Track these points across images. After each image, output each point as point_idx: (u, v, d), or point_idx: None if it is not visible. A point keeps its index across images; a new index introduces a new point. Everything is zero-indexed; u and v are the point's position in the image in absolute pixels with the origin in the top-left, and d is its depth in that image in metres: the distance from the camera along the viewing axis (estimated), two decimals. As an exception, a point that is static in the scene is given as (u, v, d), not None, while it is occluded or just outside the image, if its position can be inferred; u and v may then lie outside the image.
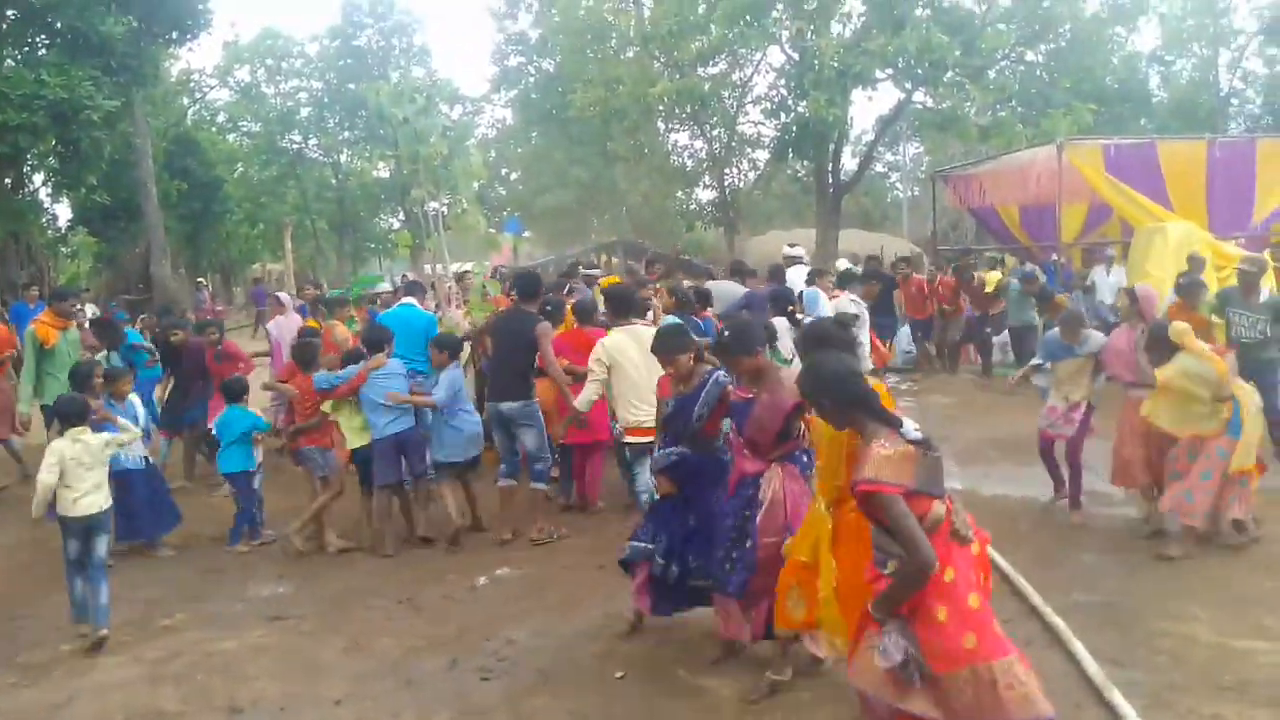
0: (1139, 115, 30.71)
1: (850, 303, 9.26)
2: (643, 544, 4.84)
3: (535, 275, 7.89)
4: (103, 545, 5.41)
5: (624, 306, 6.75)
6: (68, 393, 6.07)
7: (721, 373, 4.69)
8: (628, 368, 6.24)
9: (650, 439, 5.83)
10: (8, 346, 9.50)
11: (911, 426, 3.31)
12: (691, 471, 4.79)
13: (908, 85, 23.41)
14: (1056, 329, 6.84)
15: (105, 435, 5.56)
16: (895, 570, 3.26)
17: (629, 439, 6.42)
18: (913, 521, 3.15)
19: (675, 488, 4.83)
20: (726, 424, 4.75)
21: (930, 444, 3.31)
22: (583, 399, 6.30)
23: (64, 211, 27.92)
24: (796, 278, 10.75)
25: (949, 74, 21.94)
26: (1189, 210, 13.57)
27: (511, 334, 6.86)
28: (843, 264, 14.81)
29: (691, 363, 4.82)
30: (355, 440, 6.90)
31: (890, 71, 22.27)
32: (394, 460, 6.78)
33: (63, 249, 28.92)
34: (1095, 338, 6.64)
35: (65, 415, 5.44)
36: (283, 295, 12.37)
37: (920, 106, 24.87)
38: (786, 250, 12.38)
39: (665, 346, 4.91)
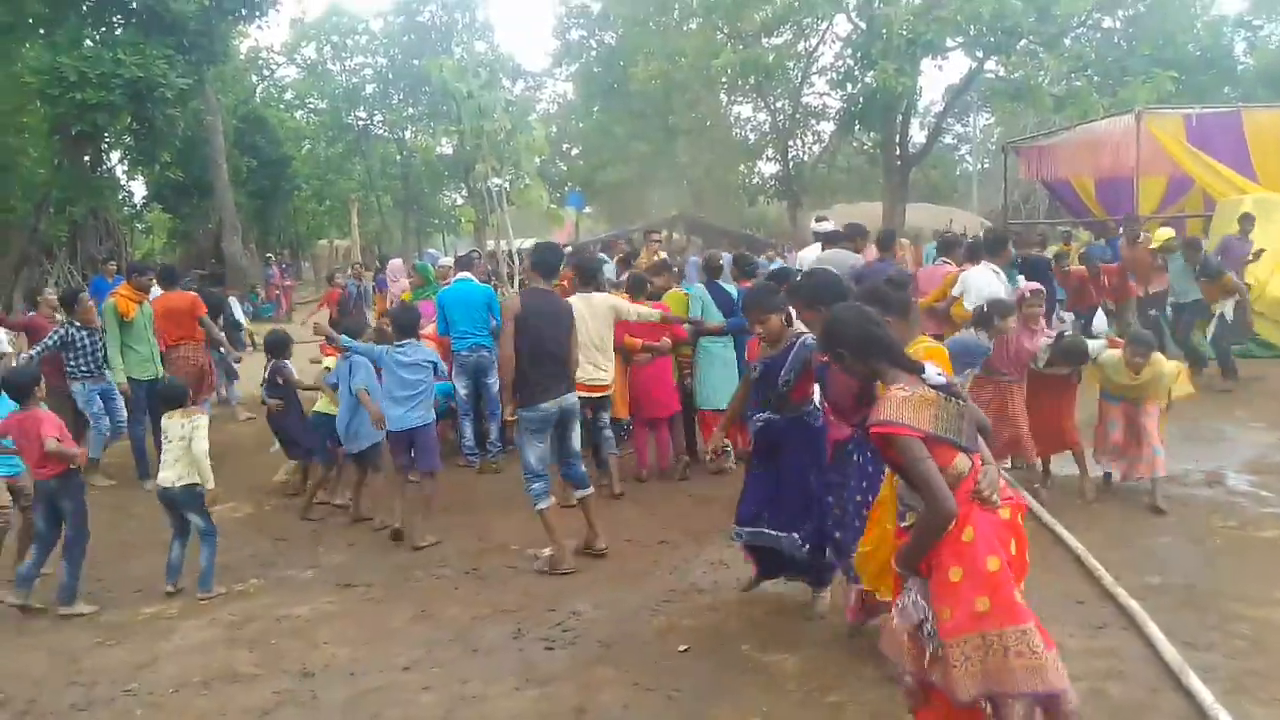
0: (1223, 83, 29.51)
1: (992, 274, 7.66)
2: (743, 528, 4.93)
3: (556, 247, 7.05)
4: (196, 519, 5.76)
5: (587, 277, 7.13)
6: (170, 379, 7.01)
7: (810, 336, 4.63)
8: (580, 330, 6.24)
9: (598, 394, 6.90)
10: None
11: (934, 371, 3.18)
12: (778, 436, 4.78)
13: (979, 54, 22.88)
14: (968, 331, 6.43)
15: (191, 415, 5.79)
16: (914, 522, 3.16)
17: (579, 394, 6.41)
18: (931, 466, 3.00)
19: (756, 451, 4.88)
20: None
21: (956, 391, 3.18)
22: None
23: (139, 188, 28.76)
24: (812, 258, 9.06)
25: (1023, 42, 21.39)
26: (1276, 182, 13.09)
27: (551, 319, 5.80)
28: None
29: (782, 324, 4.78)
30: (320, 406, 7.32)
31: (961, 40, 21.76)
32: (405, 451, 6.65)
33: (138, 225, 29.75)
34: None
35: (164, 399, 6.03)
36: (442, 260, 12.65)
37: (992, 76, 24.30)
38: (814, 226, 11.39)
39: (755, 304, 4.90)
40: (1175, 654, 4.12)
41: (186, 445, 5.65)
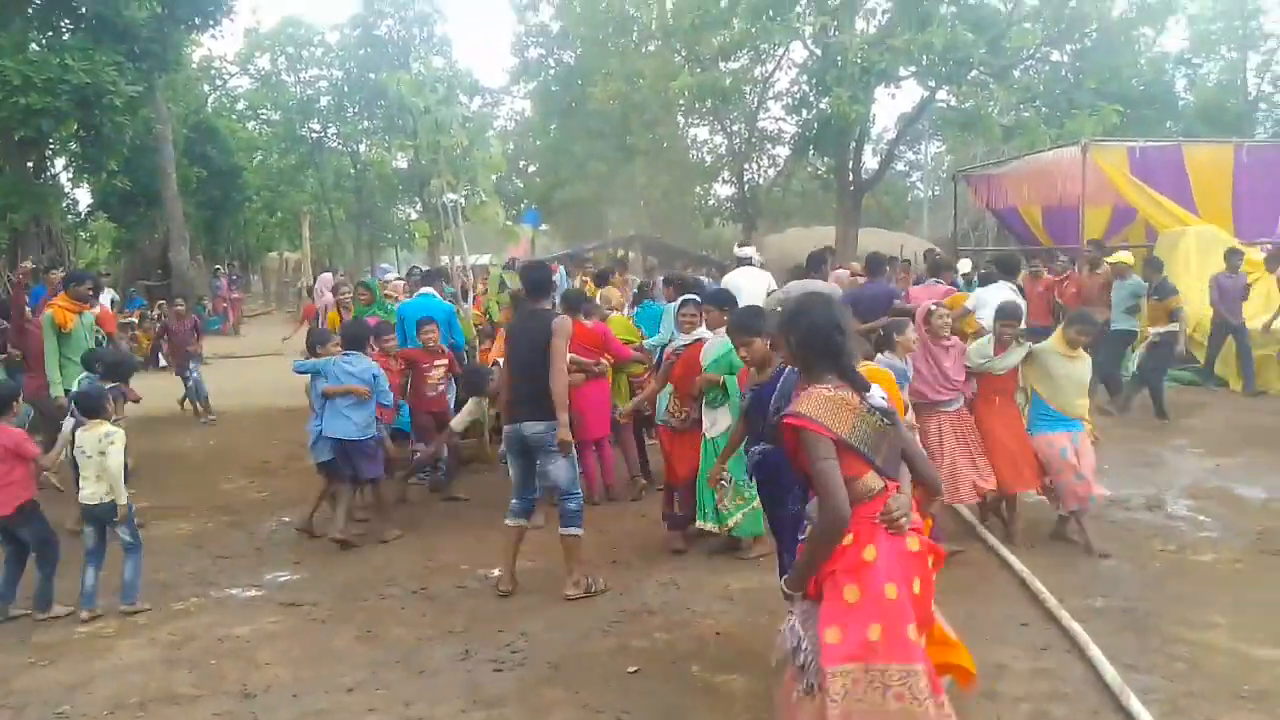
0: (1165, 118, 30.39)
1: (1010, 290, 7.82)
2: None
3: (544, 265, 6.89)
4: (123, 533, 5.56)
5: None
6: (88, 383, 6.31)
7: None
8: None
9: None
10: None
11: (879, 393, 3.08)
12: (774, 469, 4.61)
13: (931, 83, 23.27)
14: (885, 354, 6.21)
15: (105, 429, 5.54)
16: (809, 531, 3.05)
17: None
18: (833, 467, 2.90)
19: (759, 485, 4.84)
20: None
21: (892, 415, 3.09)
22: None
23: (84, 196, 28.15)
24: (744, 282, 9.20)
25: (973, 72, 21.82)
26: (1214, 215, 13.48)
27: (528, 338, 5.62)
28: (965, 265, 13.16)
29: (765, 347, 4.67)
30: None
31: (914, 69, 22.14)
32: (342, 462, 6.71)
33: (82, 234, 29.12)
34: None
35: (81, 408, 5.75)
36: (389, 276, 12.46)
37: (943, 105, 24.72)
38: (737, 250, 11.41)
39: (737, 327, 4.82)
40: (1116, 676, 4.19)
41: (103, 460, 5.44)
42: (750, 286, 9.25)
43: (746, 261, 10.30)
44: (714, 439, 6.01)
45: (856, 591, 2.93)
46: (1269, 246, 13.27)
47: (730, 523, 6.03)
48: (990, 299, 7.53)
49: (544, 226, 37.49)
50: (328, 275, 12.83)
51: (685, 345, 6.46)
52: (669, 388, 6.54)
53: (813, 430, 2.95)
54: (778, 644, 3.10)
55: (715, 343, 6.17)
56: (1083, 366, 6.27)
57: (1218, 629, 4.83)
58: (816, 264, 8.51)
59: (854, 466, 2.99)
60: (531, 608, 5.42)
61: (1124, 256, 10.80)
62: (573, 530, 5.60)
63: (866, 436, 3.00)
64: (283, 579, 6.15)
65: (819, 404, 2.99)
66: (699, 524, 6.19)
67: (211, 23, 20.39)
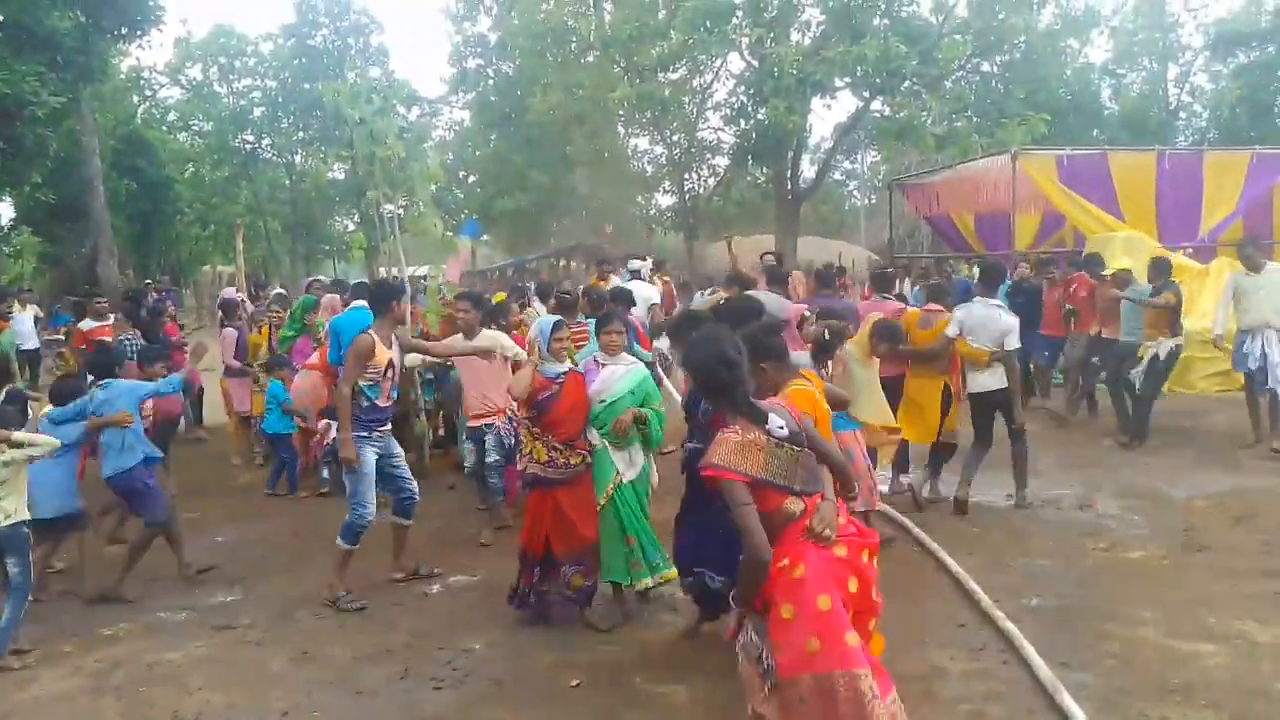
0: (1091, 126, 31.32)
1: (995, 308, 7.19)
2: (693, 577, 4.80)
3: (388, 283, 7.08)
4: (14, 566, 5.12)
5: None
6: None
7: None
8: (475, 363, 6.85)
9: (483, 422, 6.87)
10: None
11: (778, 424, 3.23)
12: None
13: (866, 94, 23.68)
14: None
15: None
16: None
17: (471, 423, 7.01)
18: (749, 512, 3.09)
19: (689, 483, 4.83)
20: None
21: (797, 439, 3.24)
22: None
23: (6, 210, 27.30)
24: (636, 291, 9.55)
25: (906, 83, 22.23)
26: (1139, 220, 13.84)
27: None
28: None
29: None
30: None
31: (849, 80, 22.50)
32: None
33: (5, 249, 28.25)
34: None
35: None
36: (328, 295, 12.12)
37: (878, 115, 25.14)
38: (629, 263, 11.32)
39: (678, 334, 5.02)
40: (1049, 674, 4.27)
41: (6, 481, 5.08)
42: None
43: (636, 274, 10.42)
44: (632, 482, 5.22)
45: (791, 609, 3.10)
46: (1190, 250, 13.71)
47: (649, 581, 5.22)
48: (976, 321, 7.08)
49: (485, 237, 37.24)
50: (230, 290, 12.51)
51: (563, 374, 5.22)
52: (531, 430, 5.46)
53: (727, 478, 3.12)
54: (741, 651, 3.27)
55: (622, 371, 5.27)
56: (873, 373, 6.25)
57: (1147, 625, 4.95)
58: (777, 279, 8.36)
59: (773, 499, 3.18)
60: (472, 624, 5.35)
61: (1124, 262, 10.49)
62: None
63: (779, 469, 3.18)
64: (215, 601, 5.99)
65: (730, 450, 3.16)
66: (613, 582, 5.31)
67: (139, 32, 19.90)
